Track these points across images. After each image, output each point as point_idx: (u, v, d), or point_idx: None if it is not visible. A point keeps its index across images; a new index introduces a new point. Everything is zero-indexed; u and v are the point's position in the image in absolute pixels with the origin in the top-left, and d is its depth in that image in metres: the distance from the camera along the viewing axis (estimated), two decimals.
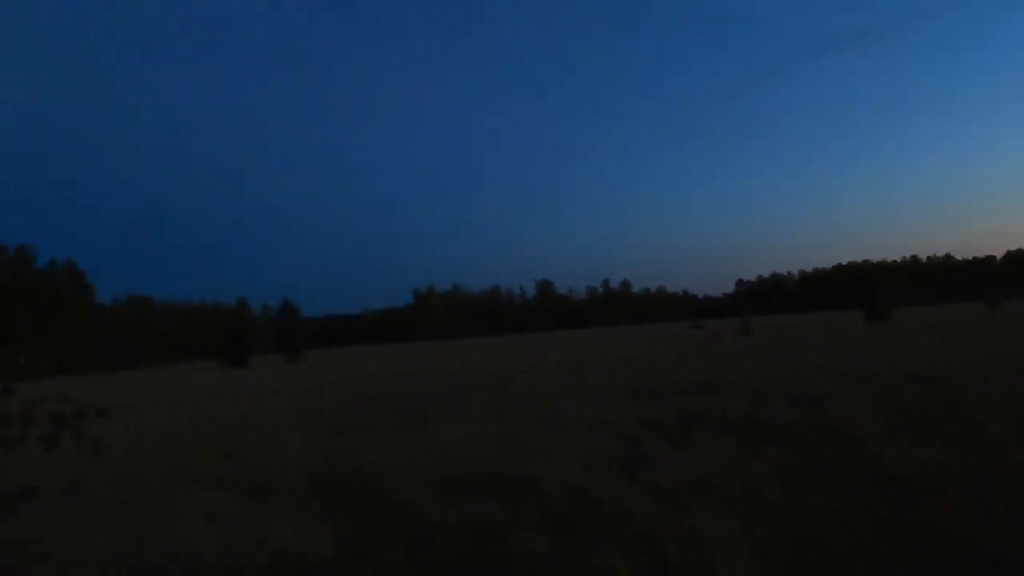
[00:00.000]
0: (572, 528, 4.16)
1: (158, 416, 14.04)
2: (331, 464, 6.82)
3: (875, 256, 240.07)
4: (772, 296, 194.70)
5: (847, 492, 4.61)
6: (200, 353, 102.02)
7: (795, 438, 6.40)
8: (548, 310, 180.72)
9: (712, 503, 4.48)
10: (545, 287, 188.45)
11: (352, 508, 5.08)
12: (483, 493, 5.14)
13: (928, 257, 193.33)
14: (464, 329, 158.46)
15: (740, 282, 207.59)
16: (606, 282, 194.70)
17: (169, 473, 7.05)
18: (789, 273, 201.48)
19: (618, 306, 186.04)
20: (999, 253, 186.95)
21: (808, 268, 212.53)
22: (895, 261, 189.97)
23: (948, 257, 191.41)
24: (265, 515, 5.06)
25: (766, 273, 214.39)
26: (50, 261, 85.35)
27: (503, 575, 3.56)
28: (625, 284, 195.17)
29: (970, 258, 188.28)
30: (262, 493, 5.80)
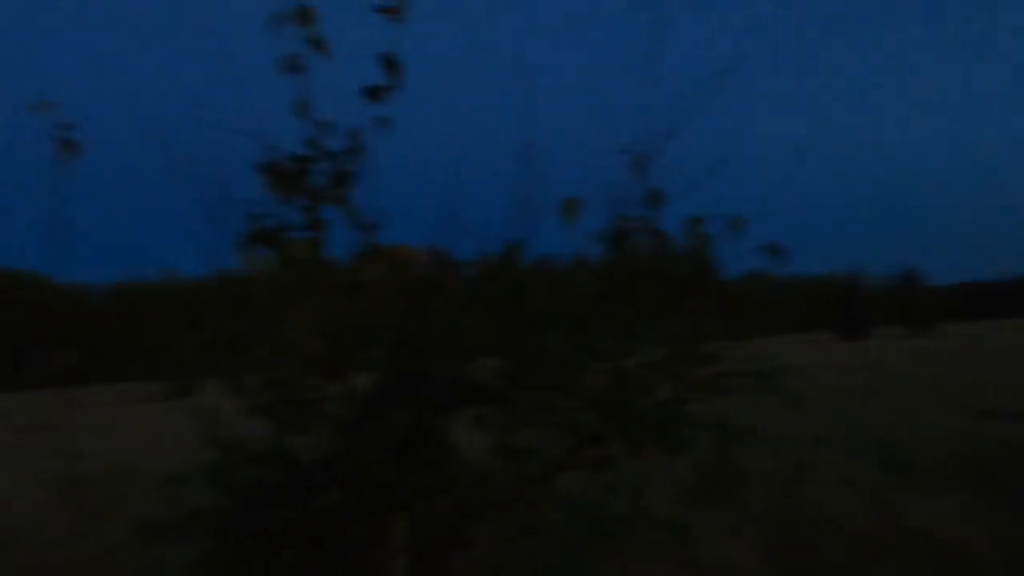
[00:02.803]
0: None
1: (791, 382, 14.86)
2: (988, 452, 5.88)
3: None
4: None
5: None
6: (815, 325, 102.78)
7: None
8: None
9: None
10: None
11: (1018, 507, 4.27)
12: None
13: None
14: None
15: None
16: None
17: (806, 436, 7.37)
18: None
19: None
20: None
21: None
22: None
23: None
24: (910, 495, 4.76)
25: None
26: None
27: None
28: None
29: None
30: (902, 470, 5.47)
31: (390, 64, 2.01)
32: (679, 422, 1.43)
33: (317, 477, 1.89)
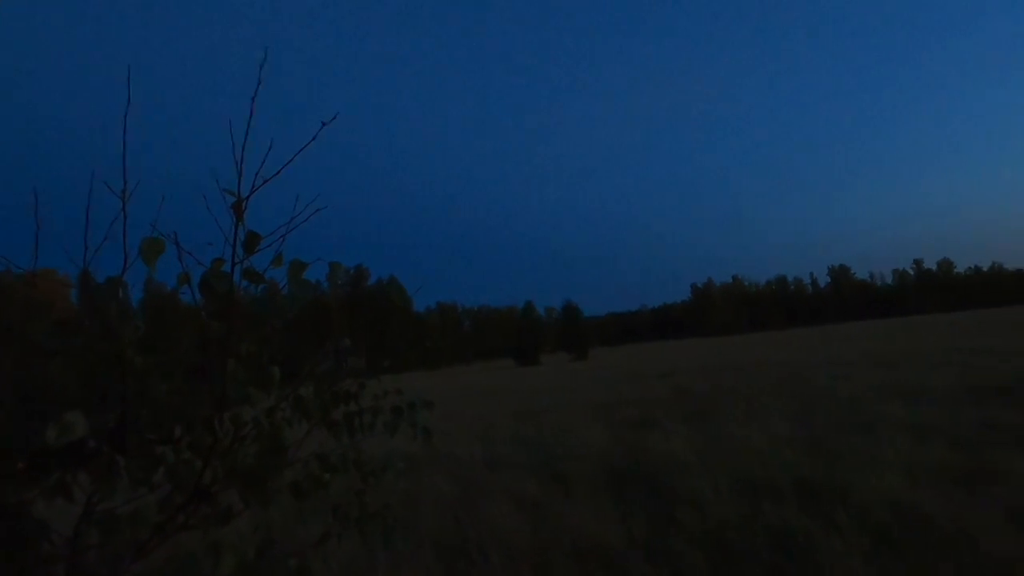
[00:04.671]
0: (897, 546, 3.64)
1: (468, 408, 15.85)
2: (622, 458, 6.96)
3: None
4: None
5: None
6: (497, 353, 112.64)
7: None
8: (846, 299, 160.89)
9: None
10: (841, 273, 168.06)
11: (644, 502, 5.12)
12: (785, 498, 4.77)
13: None
14: (748, 323, 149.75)
15: None
16: (919, 263, 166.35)
17: (479, 458, 7.88)
18: None
19: (937, 290, 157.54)
20: None
21: None
22: None
23: None
24: (564, 503, 5.35)
25: None
26: (378, 279, 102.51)
27: None
28: (945, 264, 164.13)
29: None
30: (560, 481, 6.16)
31: None
32: (272, 470, 1.38)
33: None
